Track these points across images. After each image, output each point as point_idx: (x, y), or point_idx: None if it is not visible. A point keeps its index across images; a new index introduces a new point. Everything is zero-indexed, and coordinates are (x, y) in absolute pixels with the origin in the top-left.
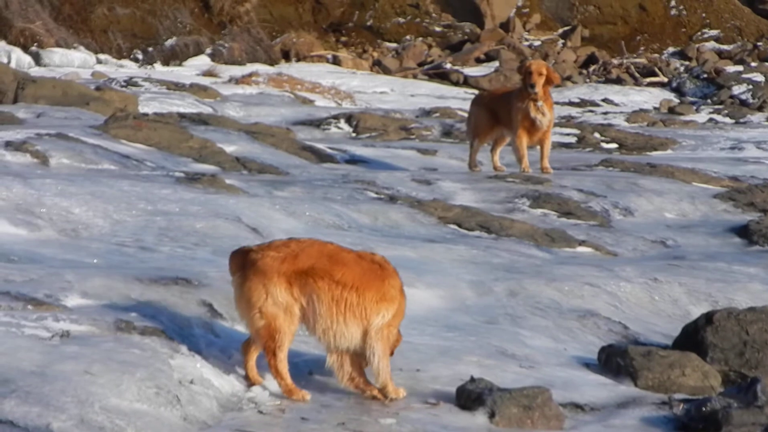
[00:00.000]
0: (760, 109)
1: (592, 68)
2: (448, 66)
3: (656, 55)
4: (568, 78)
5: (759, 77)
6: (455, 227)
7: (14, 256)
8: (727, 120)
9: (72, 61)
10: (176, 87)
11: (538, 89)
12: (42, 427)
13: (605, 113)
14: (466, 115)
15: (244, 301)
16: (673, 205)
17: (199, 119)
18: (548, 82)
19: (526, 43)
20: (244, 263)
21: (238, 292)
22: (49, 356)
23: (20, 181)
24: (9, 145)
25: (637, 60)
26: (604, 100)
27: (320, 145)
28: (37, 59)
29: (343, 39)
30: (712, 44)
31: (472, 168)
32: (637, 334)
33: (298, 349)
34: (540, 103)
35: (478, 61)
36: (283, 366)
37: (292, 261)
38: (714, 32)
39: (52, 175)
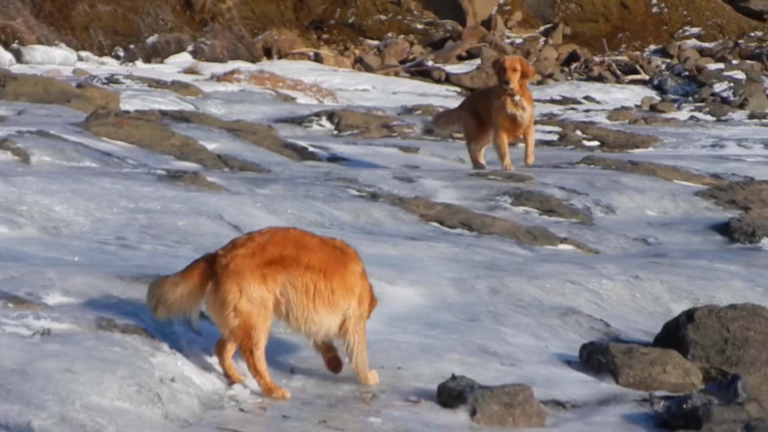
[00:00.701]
0: (741, 106)
1: (573, 66)
2: (430, 63)
3: (638, 52)
4: (550, 75)
5: (740, 75)
6: (437, 225)
7: None
8: (709, 118)
9: (53, 59)
10: (158, 84)
11: (514, 85)
12: (23, 425)
13: (587, 111)
14: None
15: (219, 304)
16: (655, 203)
17: (181, 117)
18: (523, 76)
19: (508, 41)
20: (215, 269)
21: (212, 297)
22: (30, 354)
23: (1, 179)
24: None
25: (619, 58)
26: (585, 98)
27: (302, 143)
28: (18, 56)
29: (325, 36)
30: (693, 42)
31: (477, 167)
32: (619, 331)
33: (279, 347)
34: (517, 97)
35: (460, 58)
36: (262, 364)
37: (261, 254)
38: (695, 30)
39: (33, 172)
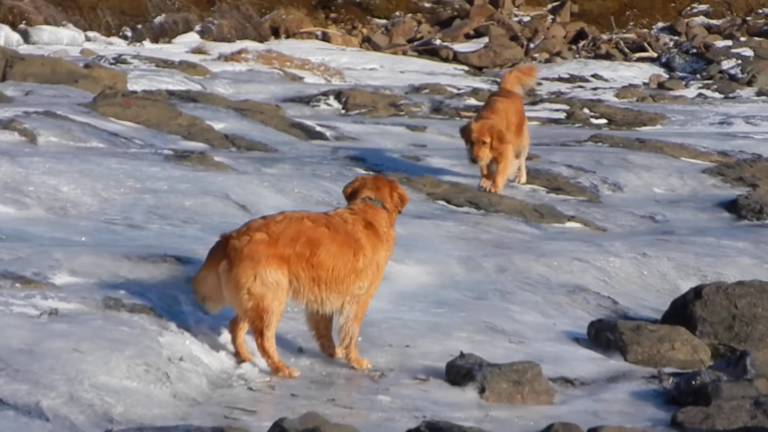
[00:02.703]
0: (749, 83)
1: (581, 44)
2: (438, 42)
3: (645, 30)
4: (558, 54)
5: (748, 52)
6: (444, 203)
7: (2, 235)
8: (717, 95)
9: (61, 39)
10: (165, 64)
11: (482, 163)
12: (31, 404)
13: (595, 89)
14: (455, 91)
15: (232, 285)
16: (662, 180)
17: (188, 96)
18: (499, 140)
19: (516, 19)
20: (227, 250)
21: (226, 277)
22: (38, 334)
23: (8, 160)
24: None
25: (627, 35)
26: (593, 76)
27: (309, 122)
28: (26, 37)
29: (333, 15)
30: (701, 19)
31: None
32: (627, 308)
33: (287, 327)
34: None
35: (468, 37)
36: (270, 345)
37: (274, 245)
38: (703, 7)
39: (41, 153)
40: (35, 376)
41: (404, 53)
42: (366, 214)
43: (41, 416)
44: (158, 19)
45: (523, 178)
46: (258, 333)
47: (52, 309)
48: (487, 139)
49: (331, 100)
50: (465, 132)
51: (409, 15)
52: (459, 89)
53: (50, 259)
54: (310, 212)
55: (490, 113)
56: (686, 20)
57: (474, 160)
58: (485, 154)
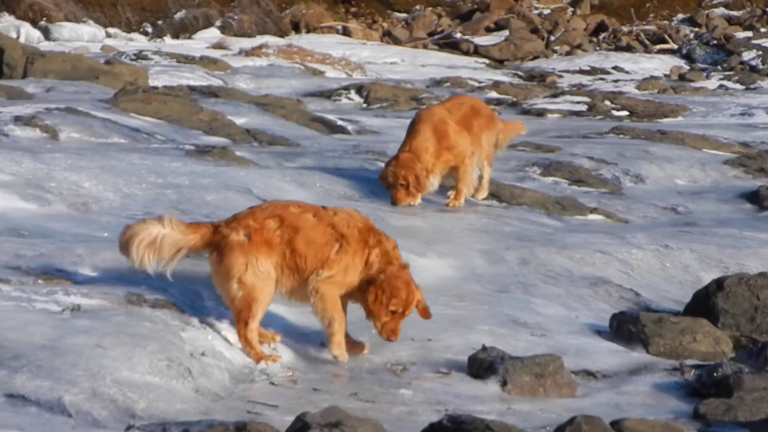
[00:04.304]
0: None
1: (602, 36)
2: (458, 35)
3: (666, 22)
4: (578, 46)
5: None
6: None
7: (24, 231)
8: (738, 86)
9: (81, 35)
10: (186, 60)
11: (402, 204)
12: (54, 400)
13: (616, 81)
14: (476, 84)
15: (223, 274)
16: (684, 172)
17: (209, 92)
18: (416, 180)
19: (536, 12)
20: (218, 240)
21: (215, 267)
22: (60, 330)
23: (30, 156)
24: (18, 119)
25: (647, 27)
26: (614, 68)
27: (331, 116)
28: (47, 34)
29: (353, 10)
30: (721, 10)
31: None
32: (649, 300)
33: (308, 322)
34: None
35: (488, 30)
36: (253, 336)
37: (260, 232)
38: None
39: (62, 149)
40: (58, 371)
41: (425, 47)
42: (374, 231)
43: (64, 412)
44: (178, 15)
45: (484, 193)
46: (242, 323)
47: (75, 305)
48: (405, 181)
49: (353, 95)
50: (382, 177)
51: (430, 8)
52: (480, 82)
53: (72, 255)
54: (305, 203)
55: (407, 146)
56: (706, 11)
57: (394, 203)
58: (403, 197)
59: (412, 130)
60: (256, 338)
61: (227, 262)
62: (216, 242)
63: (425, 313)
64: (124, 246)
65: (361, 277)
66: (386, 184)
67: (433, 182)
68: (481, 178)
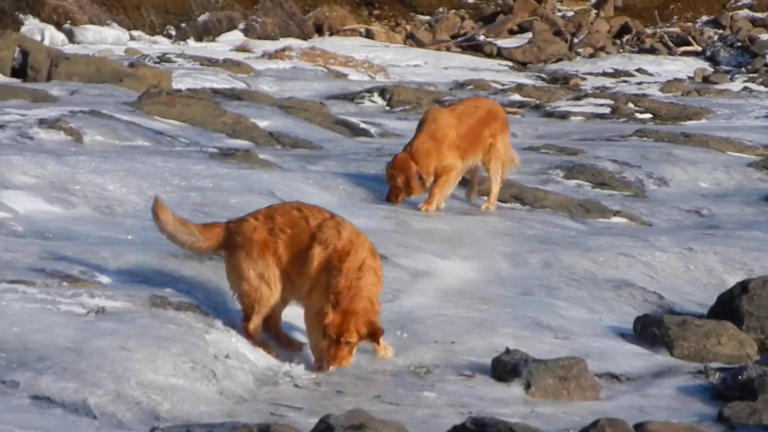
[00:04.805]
0: None
1: (625, 38)
2: (481, 38)
3: (690, 24)
4: (602, 48)
5: None
6: None
7: (49, 233)
8: (762, 88)
9: (105, 38)
10: (209, 63)
11: (399, 202)
12: (78, 402)
13: (639, 83)
14: (499, 87)
15: (234, 271)
16: (708, 175)
17: (233, 94)
18: (407, 181)
19: (559, 14)
20: (228, 238)
21: (226, 265)
22: (85, 332)
23: (54, 159)
24: (43, 122)
25: (671, 29)
26: (638, 70)
27: (354, 119)
28: (71, 37)
29: (376, 12)
30: (745, 12)
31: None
32: (673, 303)
33: None
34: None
35: (511, 32)
36: (256, 330)
37: (266, 232)
38: (747, 0)
39: (86, 152)
40: (82, 374)
41: (448, 49)
42: (364, 244)
43: (88, 414)
44: (202, 18)
45: (492, 206)
46: (246, 318)
47: (99, 307)
48: (397, 181)
49: (376, 97)
50: (387, 169)
51: (453, 11)
52: (503, 85)
53: (97, 257)
54: (312, 205)
55: (410, 146)
56: (730, 13)
57: (388, 201)
58: (396, 196)
59: (417, 129)
60: (258, 332)
61: (233, 261)
62: (227, 241)
63: None
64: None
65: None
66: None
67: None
68: (489, 188)
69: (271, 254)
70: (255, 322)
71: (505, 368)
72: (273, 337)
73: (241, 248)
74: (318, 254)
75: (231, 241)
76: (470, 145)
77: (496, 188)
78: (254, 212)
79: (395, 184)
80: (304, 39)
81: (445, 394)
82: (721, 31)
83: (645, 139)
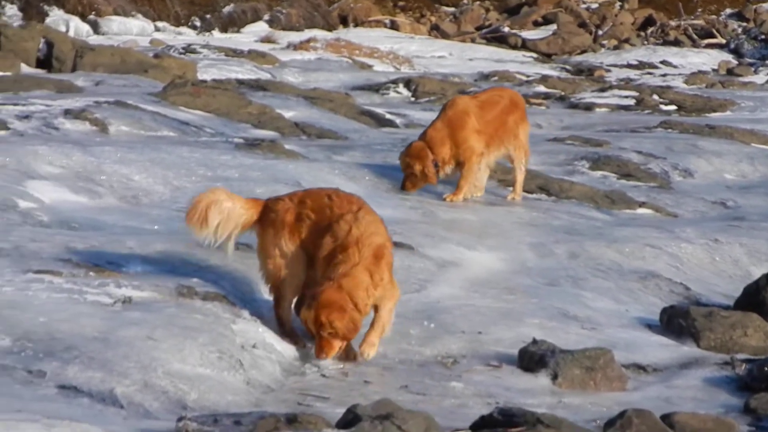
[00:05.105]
0: None
1: (649, 30)
2: (506, 30)
3: (714, 16)
4: (626, 41)
5: None
6: None
7: (75, 224)
8: None
9: (130, 29)
10: (234, 54)
11: (413, 192)
12: (105, 392)
13: (664, 75)
14: (524, 78)
15: (262, 251)
16: (733, 166)
17: (258, 85)
18: (423, 168)
19: (584, 6)
20: (263, 213)
21: (257, 243)
22: (112, 322)
23: (80, 149)
24: (68, 113)
25: (695, 22)
26: (662, 62)
27: (379, 110)
28: (96, 27)
29: (401, 3)
30: None
31: None
32: (699, 294)
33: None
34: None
35: (536, 24)
36: (285, 314)
37: (295, 214)
38: None
39: (112, 142)
40: (109, 363)
41: (473, 41)
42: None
43: (116, 403)
44: (227, 9)
45: (518, 196)
46: (276, 303)
47: (126, 297)
48: (414, 169)
49: (401, 88)
50: (402, 157)
51: (477, 2)
52: (528, 76)
53: (123, 247)
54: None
55: (425, 135)
56: (754, 6)
57: (403, 190)
58: (412, 185)
59: (436, 117)
60: (288, 316)
61: (264, 237)
62: (262, 216)
63: None
64: (202, 215)
65: None
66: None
67: (447, 171)
68: (514, 179)
69: (297, 236)
70: (284, 307)
71: (532, 359)
72: None
73: (272, 226)
74: (326, 245)
75: (266, 217)
76: (495, 132)
77: (520, 177)
78: (292, 193)
79: (411, 172)
80: (329, 30)
81: (472, 384)
82: (744, 24)
83: (670, 130)
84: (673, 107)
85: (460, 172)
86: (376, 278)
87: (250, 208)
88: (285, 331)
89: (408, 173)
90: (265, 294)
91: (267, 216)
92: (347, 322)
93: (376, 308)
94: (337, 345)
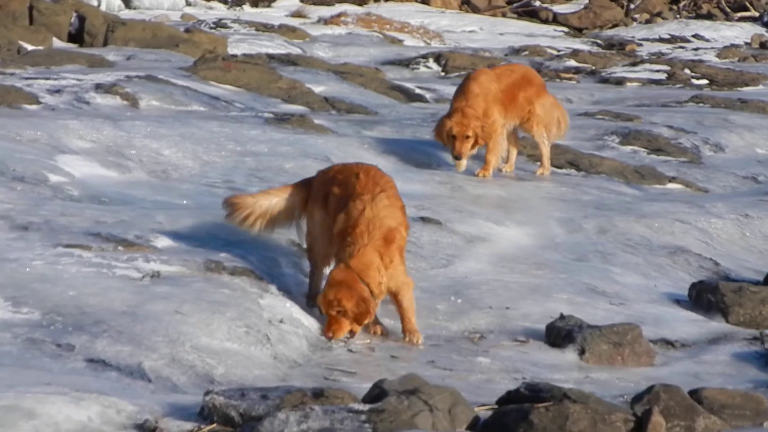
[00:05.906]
0: None
1: (682, 4)
2: (537, 4)
3: None
4: (658, 14)
5: None
6: None
7: (105, 198)
8: None
9: (161, 4)
10: (265, 28)
11: (464, 158)
12: (134, 365)
13: (696, 49)
14: (555, 53)
15: (306, 224)
16: (765, 141)
17: (288, 60)
18: (476, 143)
19: None
20: (308, 190)
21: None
22: (140, 296)
23: (110, 123)
24: (99, 87)
25: None
26: (694, 36)
27: (409, 85)
28: (127, 2)
29: None
30: None
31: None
32: (728, 270)
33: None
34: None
35: None
36: (316, 280)
37: (326, 188)
38: None
39: (142, 117)
40: (138, 337)
41: (503, 15)
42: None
43: (143, 377)
44: None
45: (546, 170)
46: (310, 270)
47: (155, 272)
48: (471, 134)
49: (431, 63)
50: (439, 131)
51: None
52: (559, 51)
53: (152, 222)
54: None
55: (463, 101)
56: None
57: (458, 156)
58: (467, 150)
59: (465, 89)
60: (318, 283)
61: (307, 211)
62: (307, 194)
63: None
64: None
65: None
66: (448, 135)
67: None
68: (540, 153)
69: (326, 209)
70: (314, 274)
71: (559, 334)
72: None
73: (312, 201)
74: (339, 221)
75: (308, 192)
76: (509, 103)
77: (546, 151)
78: (330, 167)
79: (468, 135)
80: (360, 5)
81: (499, 359)
82: None
83: (701, 105)
84: (704, 81)
85: (486, 145)
86: (385, 260)
87: (297, 193)
88: (308, 296)
89: (466, 137)
90: (287, 269)
91: (309, 191)
92: (357, 301)
93: (396, 300)
94: (346, 326)
